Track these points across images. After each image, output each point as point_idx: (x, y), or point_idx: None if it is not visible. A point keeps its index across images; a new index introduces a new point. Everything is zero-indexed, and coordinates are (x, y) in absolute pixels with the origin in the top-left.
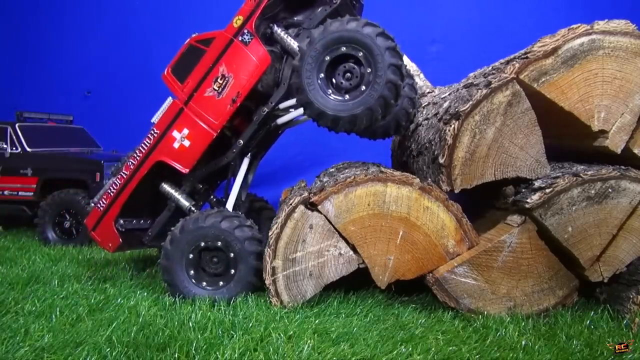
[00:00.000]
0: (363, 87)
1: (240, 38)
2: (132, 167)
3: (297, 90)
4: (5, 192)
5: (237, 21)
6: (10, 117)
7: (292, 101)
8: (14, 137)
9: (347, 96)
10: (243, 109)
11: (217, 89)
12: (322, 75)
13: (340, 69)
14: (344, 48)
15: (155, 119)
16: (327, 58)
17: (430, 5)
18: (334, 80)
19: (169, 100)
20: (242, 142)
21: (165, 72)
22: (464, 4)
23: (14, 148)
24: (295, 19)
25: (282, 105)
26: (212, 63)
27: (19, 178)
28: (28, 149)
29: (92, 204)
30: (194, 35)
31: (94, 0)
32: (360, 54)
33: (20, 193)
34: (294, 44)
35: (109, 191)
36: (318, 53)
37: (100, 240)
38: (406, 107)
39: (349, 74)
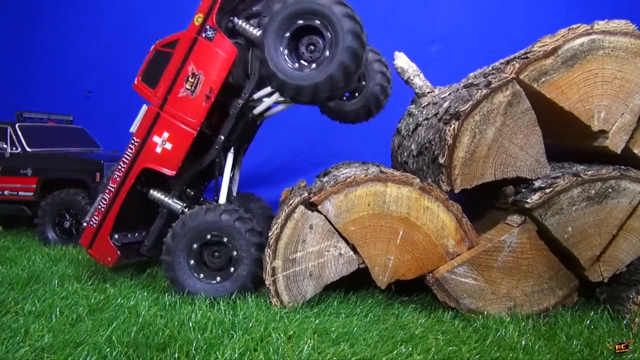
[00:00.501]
0: (325, 55)
1: (203, 35)
2: (118, 179)
3: (261, 63)
4: (5, 192)
5: (198, 19)
6: (10, 117)
7: (266, 90)
8: (14, 137)
9: (310, 66)
10: (219, 105)
11: (189, 88)
12: (283, 48)
13: (304, 41)
14: (302, 20)
15: (133, 128)
16: (287, 31)
17: (430, 5)
18: (303, 53)
19: (144, 108)
20: (222, 137)
21: (136, 81)
22: (464, 4)
23: (14, 148)
24: (255, 9)
25: (256, 96)
26: (180, 64)
27: (19, 178)
28: (28, 149)
29: (85, 223)
30: (158, 41)
31: (94, 0)
32: (319, 22)
33: (20, 193)
34: (257, 33)
35: (100, 207)
36: (279, 25)
37: (99, 257)
38: (381, 82)
39: (312, 47)
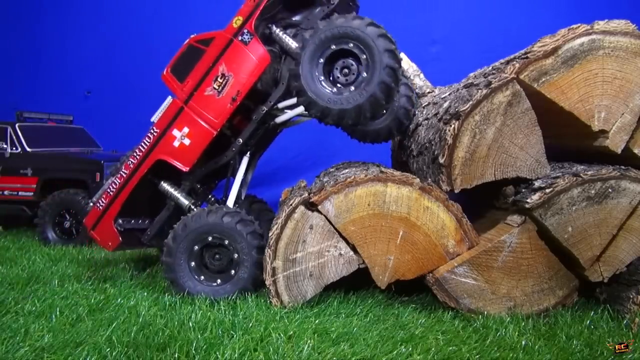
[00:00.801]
0: (363, 76)
1: (239, 38)
2: (132, 166)
3: (293, 77)
4: (5, 192)
5: (237, 21)
6: (10, 117)
7: (291, 101)
8: (14, 137)
9: (348, 88)
10: (242, 108)
11: (217, 87)
12: (319, 74)
13: (338, 65)
14: (336, 44)
15: (155, 118)
16: (322, 57)
17: (430, 5)
18: (337, 77)
19: (169, 99)
20: (241, 140)
21: (165, 72)
22: (464, 4)
23: (14, 148)
24: (294, 19)
25: (280, 105)
26: (212, 62)
27: (19, 178)
28: (28, 149)
29: (91, 204)
30: (192, 36)
31: (94, 0)
32: (353, 45)
33: (20, 193)
34: (292, 44)
35: (109, 190)
36: (313, 52)
37: (100, 239)
38: (405, 105)
39: (346, 70)
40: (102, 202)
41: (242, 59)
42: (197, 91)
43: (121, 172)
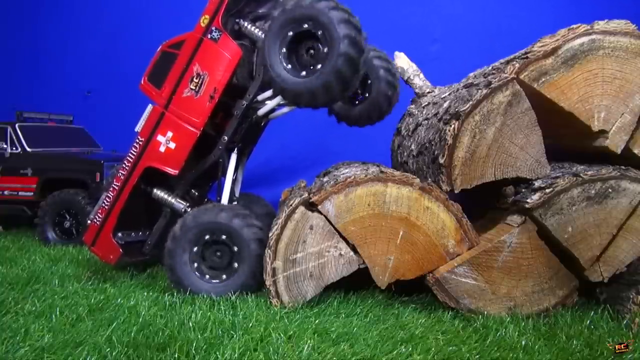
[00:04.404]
0: (322, 61)
1: (209, 36)
2: (122, 177)
3: (264, 68)
4: (5, 192)
5: (204, 20)
6: (10, 117)
7: (269, 92)
8: (14, 137)
9: (307, 72)
10: (223, 106)
11: (194, 88)
12: (281, 54)
13: (305, 45)
14: (299, 26)
15: (138, 127)
16: (286, 37)
17: (430, 5)
18: (304, 57)
19: (149, 107)
20: (226, 138)
21: (142, 82)
22: (464, 4)
23: (14, 148)
24: (260, 11)
25: (259, 97)
26: (185, 64)
27: (19, 178)
28: (28, 149)
29: (88, 221)
30: (164, 42)
31: (94, 0)
32: (315, 28)
33: (20, 193)
34: (262, 36)
35: (103, 205)
36: (277, 31)
37: (101, 255)
38: (385, 91)
39: (312, 51)
40: (99, 217)
41: (214, 56)
42: (176, 94)
43: (113, 185)
